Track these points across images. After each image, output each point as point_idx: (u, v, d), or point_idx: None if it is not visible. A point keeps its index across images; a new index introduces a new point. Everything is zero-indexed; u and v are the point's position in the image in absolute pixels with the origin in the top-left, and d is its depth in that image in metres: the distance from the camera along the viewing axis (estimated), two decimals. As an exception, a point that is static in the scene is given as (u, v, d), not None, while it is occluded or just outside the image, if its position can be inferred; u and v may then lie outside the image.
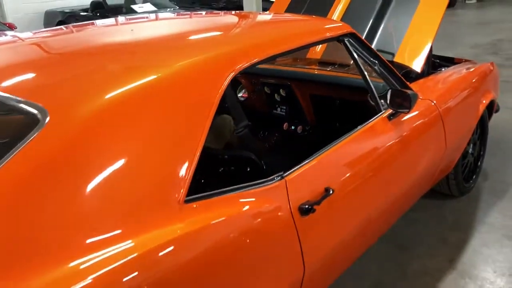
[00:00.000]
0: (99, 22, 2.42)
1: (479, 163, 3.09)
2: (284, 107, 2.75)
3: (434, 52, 3.12)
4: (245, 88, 2.92)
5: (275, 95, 2.73)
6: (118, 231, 1.10)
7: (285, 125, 2.75)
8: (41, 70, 1.51)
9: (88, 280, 1.01)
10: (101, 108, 1.20)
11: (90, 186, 1.12)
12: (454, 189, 2.87)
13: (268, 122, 2.80)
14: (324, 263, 1.62)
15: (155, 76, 1.33)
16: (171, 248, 1.15)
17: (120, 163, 1.17)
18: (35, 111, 1.18)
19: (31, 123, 1.15)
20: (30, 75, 1.48)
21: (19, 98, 1.28)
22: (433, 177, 2.44)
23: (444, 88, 2.52)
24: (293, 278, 1.48)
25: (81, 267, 1.03)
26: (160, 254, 1.13)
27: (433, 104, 2.31)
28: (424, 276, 2.32)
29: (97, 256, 1.05)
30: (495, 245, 2.51)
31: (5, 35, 2.33)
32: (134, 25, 2.18)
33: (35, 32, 2.15)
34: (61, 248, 1.05)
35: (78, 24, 2.25)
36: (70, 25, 2.29)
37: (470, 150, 2.93)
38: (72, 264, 1.03)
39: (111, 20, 2.31)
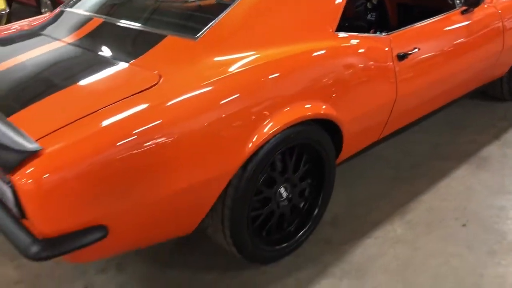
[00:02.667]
0: None
1: (530, 75, 3.72)
2: (374, 14, 3.46)
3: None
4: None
5: (368, 3, 3.45)
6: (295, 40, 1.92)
7: (372, 31, 3.48)
8: None
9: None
10: None
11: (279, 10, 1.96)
12: (506, 93, 3.55)
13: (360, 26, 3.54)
14: (407, 99, 2.41)
15: None
16: (322, 53, 1.97)
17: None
18: None
19: None
20: None
21: None
22: (490, 71, 3.13)
23: (506, 2, 3.16)
24: (388, 100, 2.29)
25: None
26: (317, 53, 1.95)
27: (498, 12, 2.98)
28: (472, 144, 3.08)
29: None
30: (535, 131, 3.22)
31: None
32: None
33: None
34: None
35: None
36: None
37: (523, 62, 3.56)
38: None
39: None
